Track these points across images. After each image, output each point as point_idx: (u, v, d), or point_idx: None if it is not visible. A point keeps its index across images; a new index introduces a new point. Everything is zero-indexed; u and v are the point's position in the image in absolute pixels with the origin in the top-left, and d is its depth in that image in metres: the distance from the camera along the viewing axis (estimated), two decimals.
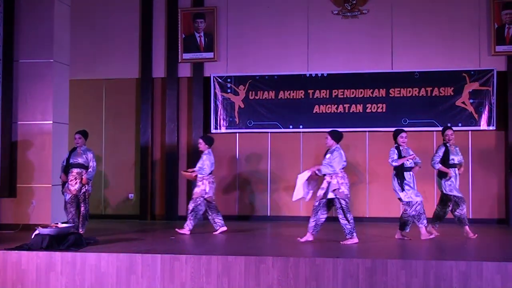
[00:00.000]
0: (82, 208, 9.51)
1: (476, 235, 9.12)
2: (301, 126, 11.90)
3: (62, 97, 10.83)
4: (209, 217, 10.03)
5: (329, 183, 8.64)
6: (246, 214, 12.13)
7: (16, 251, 7.83)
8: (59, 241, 8.00)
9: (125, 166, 12.54)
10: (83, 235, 8.59)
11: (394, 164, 8.92)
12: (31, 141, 10.52)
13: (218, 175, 12.24)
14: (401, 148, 9.01)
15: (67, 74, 11.08)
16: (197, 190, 9.87)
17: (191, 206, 9.86)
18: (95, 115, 12.67)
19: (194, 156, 12.16)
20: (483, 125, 11.38)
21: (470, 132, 11.49)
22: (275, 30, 12.16)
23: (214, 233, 9.86)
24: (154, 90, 12.50)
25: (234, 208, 12.17)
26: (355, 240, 8.65)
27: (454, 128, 11.23)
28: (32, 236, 8.12)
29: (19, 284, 7.67)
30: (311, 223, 8.75)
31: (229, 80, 12.23)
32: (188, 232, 9.80)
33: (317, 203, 8.73)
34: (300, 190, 8.77)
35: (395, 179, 8.95)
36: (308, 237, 8.72)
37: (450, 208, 9.35)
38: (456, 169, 9.33)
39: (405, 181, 8.84)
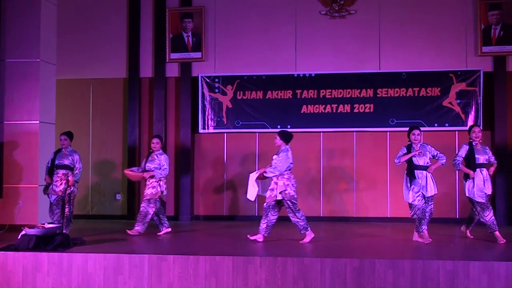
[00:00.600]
0: (66, 210, 9.43)
1: (504, 240, 8.64)
2: (289, 126, 11.90)
3: (49, 97, 10.76)
4: (156, 218, 9.91)
5: (276, 183, 8.70)
6: (233, 214, 12.12)
7: (2, 252, 7.77)
8: (46, 242, 7.95)
9: (112, 166, 12.50)
10: (70, 236, 8.54)
11: (396, 161, 8.79)
12: (17, 141, 10.44)
13: (206, 175, 12.27)
14: (413, 145, 8.73)
15: (54, 74, 11.01)
16: (152, 191, 9.69)
17: (152, 209, 9.70)
18: (82, 115, 12.61)
19: (181, 156, 12.16)
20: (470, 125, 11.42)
21: (457, 132, 11.55)
22: (263, 30, 12.17)
23: (159, 234, 9.80)
24: (142, 90, 12.46)
25: (222, 208, 12.16)
26: (311, 235, 8.72)
27: (441, 129, 11.36)
28: (19, 237, 8.06)
29: (5, 285, 7.61)
30: (263, 225, 8.81)
31: (217, 80, 12.22)
32: (169, 229, 9.86)
33: (266, 205, 8.80)
34: (252, 189, 8.84)
35: (405, 176, 8.76)
36: (259, 237, 8.80)
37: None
38: (485, 169, 8.76)
39: (414, 181, 8.60)
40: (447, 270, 6.99)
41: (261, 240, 8.77)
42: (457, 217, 11.46)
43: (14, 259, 7.66)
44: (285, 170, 8.71)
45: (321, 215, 11.82)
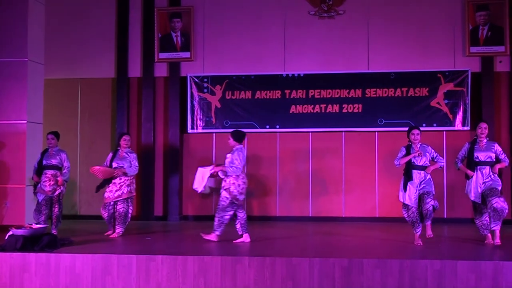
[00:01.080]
0: (56, 209, 9.42)
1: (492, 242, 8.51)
2: (277, 126, 11.92)
3: (36, 97, 10.72)
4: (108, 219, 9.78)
5: (225, 181, 8.78)
6: None
7: None
8: (33, 242, 7.90)
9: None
10: (57, 236, 8.50)
11: (395, 163, 8.62)
12: (4, 141, 10.39)
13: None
14: (413, 146, 8.56)
15: (42, 73, 10.96)
16: (128, 189, 9.63)
17: (131, 208, 9.66)
18: (70, 115, 12.55)
19: (170, 156, 12.14)
20: (458, 125, 11.49)
21: (445, 132, 11.60)
22: (252, 30, 12.17)
23: (108, 234, 9.65)
24: (130, 89, 12.43)
25: (210, 208, 12.12)
26: (215, 238, 8.79)
27: (429, 129, 11.39)
28: (6, 237, 8.02)
29: None
30: (238, 225, 8.90)
31: (205, 80, 12.20)
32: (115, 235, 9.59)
33: (226, 203, 8.79)
34: (199, 183, 8.95)
35: (402, 177, 8.59)
36: (245, 238, 8.84)
37: (487, 207, 8.43)
38: (487, 167, 8.43)
39: (410, 182, 8.41)
40: (434, 269, 7.02)
41: (248, 240, 8.77)
42: (445, 217, 11.51)
43: (1, 259, 7.62)
44: None
45: (310, 215, 11.83)
